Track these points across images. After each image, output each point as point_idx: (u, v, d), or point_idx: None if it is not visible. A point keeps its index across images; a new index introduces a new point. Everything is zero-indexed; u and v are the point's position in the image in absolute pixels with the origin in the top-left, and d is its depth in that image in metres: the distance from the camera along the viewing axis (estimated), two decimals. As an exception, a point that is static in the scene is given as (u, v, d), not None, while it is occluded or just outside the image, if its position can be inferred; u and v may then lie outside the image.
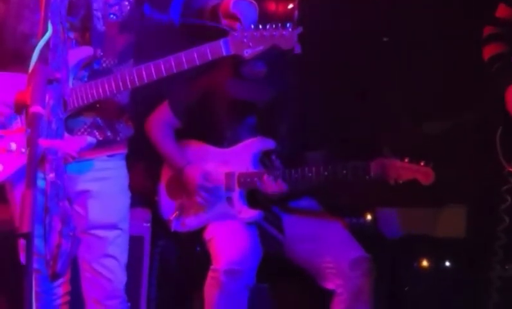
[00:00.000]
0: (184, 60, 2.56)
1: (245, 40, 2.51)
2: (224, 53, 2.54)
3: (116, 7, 2.72)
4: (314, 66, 4.09)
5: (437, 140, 4.18)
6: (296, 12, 4.03)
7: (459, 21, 4.11)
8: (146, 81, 2.60)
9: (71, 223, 2.34)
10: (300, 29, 3.94)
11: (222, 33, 2.57)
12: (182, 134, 3.82)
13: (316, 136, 3.71)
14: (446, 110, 4.25)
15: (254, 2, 2.66)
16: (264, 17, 2.68)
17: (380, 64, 4.27)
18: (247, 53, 2.54)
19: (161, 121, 3.78)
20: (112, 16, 2.71)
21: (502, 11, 3.22)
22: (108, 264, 2.77)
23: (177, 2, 2.80)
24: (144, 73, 2.59)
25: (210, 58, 2.55)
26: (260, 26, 2.52)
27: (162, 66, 2.57)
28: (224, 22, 2.62)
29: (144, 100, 3.72)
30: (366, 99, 4.29)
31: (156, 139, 3.77)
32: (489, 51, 3.25)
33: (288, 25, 2.52)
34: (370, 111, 4.30)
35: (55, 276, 2.37)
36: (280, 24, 2.52)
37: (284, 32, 2.52)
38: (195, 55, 2.55)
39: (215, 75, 3.73)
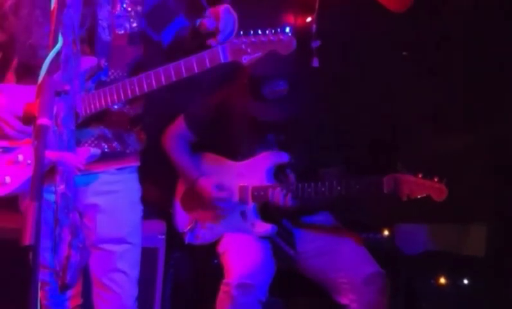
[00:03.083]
0: (183, 68, 2.54)
1: (243, 46, 2.49)
2: (222, 60, 2.51)
3: (123, 19, 2.72)
4: (331, 80, 4.07)
5: (455, 155, 4.13)
6: (314, 26, 4.02)
7: (478, 38, 4.08)
8: (146, 90, 2.58)
9: (81, 234, 2.34)
10: (318, 43, 3.97)
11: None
12: (197, 147, 3.82)
13: (331, 151, 3.68)
14: (464, 124, 4.20)
15: (234, 13, 2.61)
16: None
17: (397, 78, 4.24)
18: (246, 59, 2.50)
19: (176, 135, 3.79)
20: (120, 28, 2.71)
21: None
22: (117, 278, 2.75)
23: (172, 29, 2.80)
24: (144, 81, 2.57)
25: (208, 65, 2.52)
26: (259, 32, 2.49)
27: (162, 74, 2.56)
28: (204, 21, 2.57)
29: (162, 112, 3.76)
30: (383, 113, 4.27)
31: (171, 152, 3.78)
32: None
33: (287, 29, 2.47)
34: (386, 126, 4.27)
35: (64, 287, 2.38)
36: (279, 29, 2.47)
37: (282, 37, 2.47)
38: (194, 63, 2.53)
39: (233, 93, 3.72)
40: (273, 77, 3.52)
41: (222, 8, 2.56)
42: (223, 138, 3.74)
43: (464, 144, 4.20)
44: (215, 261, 3.69)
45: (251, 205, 3.59)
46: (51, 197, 2.39)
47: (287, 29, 2.47)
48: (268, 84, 3.55)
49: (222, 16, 2.53)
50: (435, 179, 3.25)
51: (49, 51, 1.91)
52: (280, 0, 4.38)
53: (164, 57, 2.72)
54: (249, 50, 2.49)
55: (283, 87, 3.57)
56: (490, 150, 4.17)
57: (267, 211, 3.60)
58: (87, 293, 2.86)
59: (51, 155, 2.27)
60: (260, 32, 2.49)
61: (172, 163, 3.82)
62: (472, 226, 4.32)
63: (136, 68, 2.71)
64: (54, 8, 2.02)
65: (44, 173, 1.76)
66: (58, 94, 1.88)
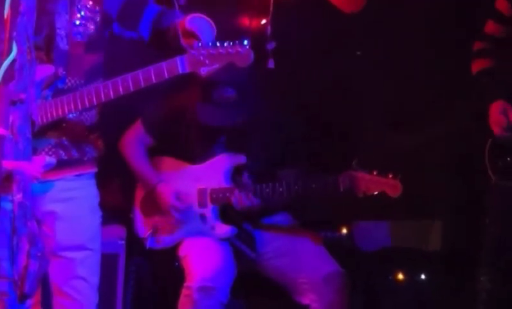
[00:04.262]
0: (141, 78, 2.55)
1: (201, 58, 2.50)
2: (180, 71, 2.53)
3: (81, 27, 2.71)
4: (285, 81, 4.10)
5: (412, 152, 4.20)
6: (269, 27, 4.04)
7: (429, 35, 4.15)
8: (104, 100, 2.60)
9: (39, 243, 2.32)
10: (273, 45, 4.00)
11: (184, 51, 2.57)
12: (155, 151, 3.81)
13: (288, 152, 3.71)
14: (420, 121, 4.28)
15: (210, 20, 2.66)
16: (238, 33, 2.67)
17: (352, 77, 4.29)
18: (204, 70, 2.53)
19: (134, 140, 3.78)
20: (77, 36, 2.70)
21: (490, 28, 3.26)
22: (77, 285, 2.73)
23: (146, 20, 2.80)
24: (102, 91, 2.59)
25: (167, 76, 2.54)
26: (218, 44, 2.51)
27: (119, 85, 2.57)
28: (183, 41, 2.61)
29: (119, 118, 3.75)
30: (338, 114, 4.32)
31: (129, 157, 3.76)
32: (477, 66, 3.30)
33: (245, 42, 2.50)
34: (341, 124, 4.32)
35: (23, 297, 2.35)
36: (237, 41, 2.50)
37: (240, 49, 2.49)
38: (152, 73, 2.54)
39: (187, 97, 3.73)
40: (222, 82, 3.54)
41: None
42: (180, 141, 3.75)
43: (420, 141, 4.27)
44: (177, 265, 3.69)
45: (210, 207, 3.60)
46: (8, 206, 2.37)
47: (245, 42, 2.49)
48: (218, 89, 3.57)
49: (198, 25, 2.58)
50: (390, 176, 3.31)
51: (4, 59, 1.90)
52: (235, 3, 4.40)
53: (149, 52, 2.71)
54: (207, 62, 2.51)
55: (230, 94, 3.59)
56: (446, 147, 4.24)
57: (226, 213, 3.61)
58: (47, 301, 2.83)
59: (7, 164, 2.25)
60: (218, 44, 2.51)
61: (130, 169, 3.80)
62: (429, 222, 4.39)
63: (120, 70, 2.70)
64: (7, 15, 2.01)
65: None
66: (13, 103, 1.87)
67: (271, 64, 3.92)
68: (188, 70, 2.53)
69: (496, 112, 3.15)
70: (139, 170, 3.78)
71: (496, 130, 3.16)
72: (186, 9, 2.94)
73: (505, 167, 3.18)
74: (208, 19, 2.68)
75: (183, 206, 3.61)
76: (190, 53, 2.52)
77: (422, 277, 4.17)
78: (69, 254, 2.72)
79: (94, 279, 2.80)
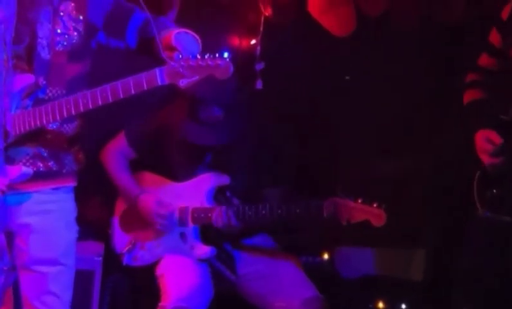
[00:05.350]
0: (120, 88, 2.52)
1: (181, 70, 2.47)
2: (159, 83, 2.50)
3: (64, 36, 2.68)
4: (273, 102, 4.08)
5: (395, 180, 4.18)
6: (258, 48, 4.03)
7: (418, 63, 4.14)
8: (82, 110, 2.56)
9: (5, 257, 2.28)
10: (262, 65, 3.99)
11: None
12: (137, 166, 3.77)
13: (273, 174, 3.67)
14: (403, 151, 4.26)
15: (196, 35, 2.63)
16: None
17: (340, 102, 4.27)
18: (183, 82, 2.49)
19: (116, 151, 3.74)
20: (59, 45, 2.67)
21: (484, 60, 3.27)
22: (48, 301, 2.68)
23: (132, 28, 2.77)
24: (81, 101, 2.55)
25: (146, 87, 2.51)
26: (198, 56, 2.48)
27: (98, 95, 2.54)
28: (164, 54, 2.58)
29: (103, 131, 3.71)
30: (324, 138, 4.30)
31: (110, 168, 3.72)
32: (468, 97, 3.30)
33: (226, 55, 2.47)
34: (327, 150, 4.29)
35: (-12, 310, 2.31)
36: (217, 54, 2.47)
37: (220, 62, 2.46)
38: (131, 84, 2.51)
39: (173, 114, 3.70)
40: (210, 102, 3.51)
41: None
42: (164, 157, 3.71)
43: (406, 170, 4.26)
44: (154, 284, 3.63)
45: (190, 226, 3.56)
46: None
47: (226, 55, 2.46)
48: (205, 108, 3.55)
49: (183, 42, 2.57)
50: (375, 205, 3.27)
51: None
52: (225, 23, 4.38)
53: (134, 63, 2.67)
54: (186, 73, 2.48)
55: (218, 113, 3.56)
56: (432, 176, 4.22)
57: (207, 233, 3.57)
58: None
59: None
60: (198, 56, 2.48)
61: (111, 180, 3.75)
62: (412, 251, 4.36)
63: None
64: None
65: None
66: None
67: (259, 84, 3.91)
68: (166, 81, 2.50)
69: (481, 140, 3.13)
70: (121, 183, 3.73)
71: (485, 159, 3.14)
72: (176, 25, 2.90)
73: (492, 198, 3.14)
74: (194, 35, 2.66)
75: (167, 212, 3.55)
76: (169, 64, 2.49)
77: (403, 307, 4.13)
78: (41, 268, 2.68)
79: (67, 296, 2.76)
